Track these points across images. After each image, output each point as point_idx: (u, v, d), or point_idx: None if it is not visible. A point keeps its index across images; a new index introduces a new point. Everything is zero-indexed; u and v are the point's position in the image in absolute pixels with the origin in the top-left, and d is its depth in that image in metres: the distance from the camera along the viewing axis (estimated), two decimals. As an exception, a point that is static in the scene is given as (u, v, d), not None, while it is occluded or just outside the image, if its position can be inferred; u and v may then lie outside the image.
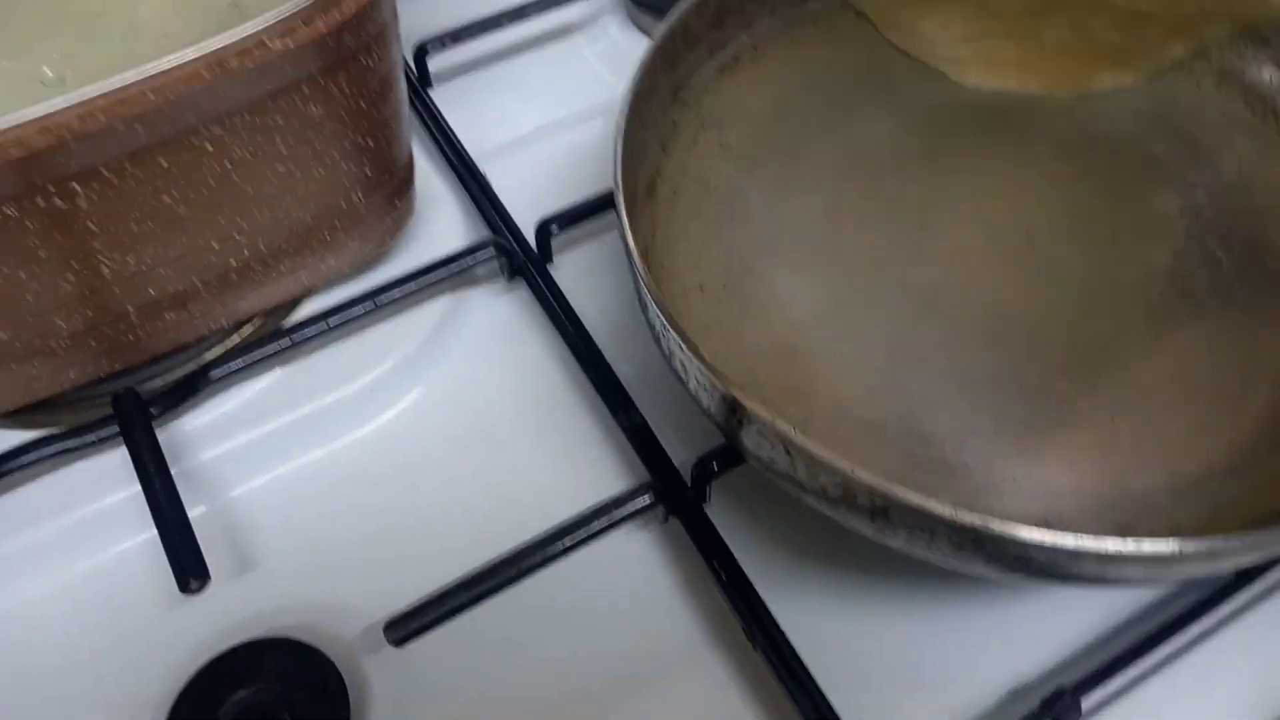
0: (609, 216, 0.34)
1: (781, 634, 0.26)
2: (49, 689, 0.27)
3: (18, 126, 0.23)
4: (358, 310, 0.32)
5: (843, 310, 0.31)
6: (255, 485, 0.30)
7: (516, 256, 0.34)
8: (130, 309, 0.28)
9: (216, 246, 0.28)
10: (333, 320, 0.32)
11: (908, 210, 0.33)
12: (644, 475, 0.29)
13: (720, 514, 0.29)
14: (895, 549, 0.25)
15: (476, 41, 0.41)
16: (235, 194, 0.27)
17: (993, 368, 0.30)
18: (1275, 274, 0.32)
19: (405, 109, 0.31)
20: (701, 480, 0.29)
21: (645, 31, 0.43)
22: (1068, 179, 0.34)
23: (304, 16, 0.25)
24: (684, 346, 0.24)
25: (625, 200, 0.27)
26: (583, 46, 0.42)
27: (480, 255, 0.34)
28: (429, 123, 0.38)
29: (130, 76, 0.23)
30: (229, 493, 0.30)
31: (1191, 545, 0.21)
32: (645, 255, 0.27)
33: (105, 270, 0.26)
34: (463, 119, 0.38)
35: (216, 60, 0.24)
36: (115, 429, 0.29)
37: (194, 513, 0.28)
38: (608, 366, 0.31)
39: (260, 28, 0.25)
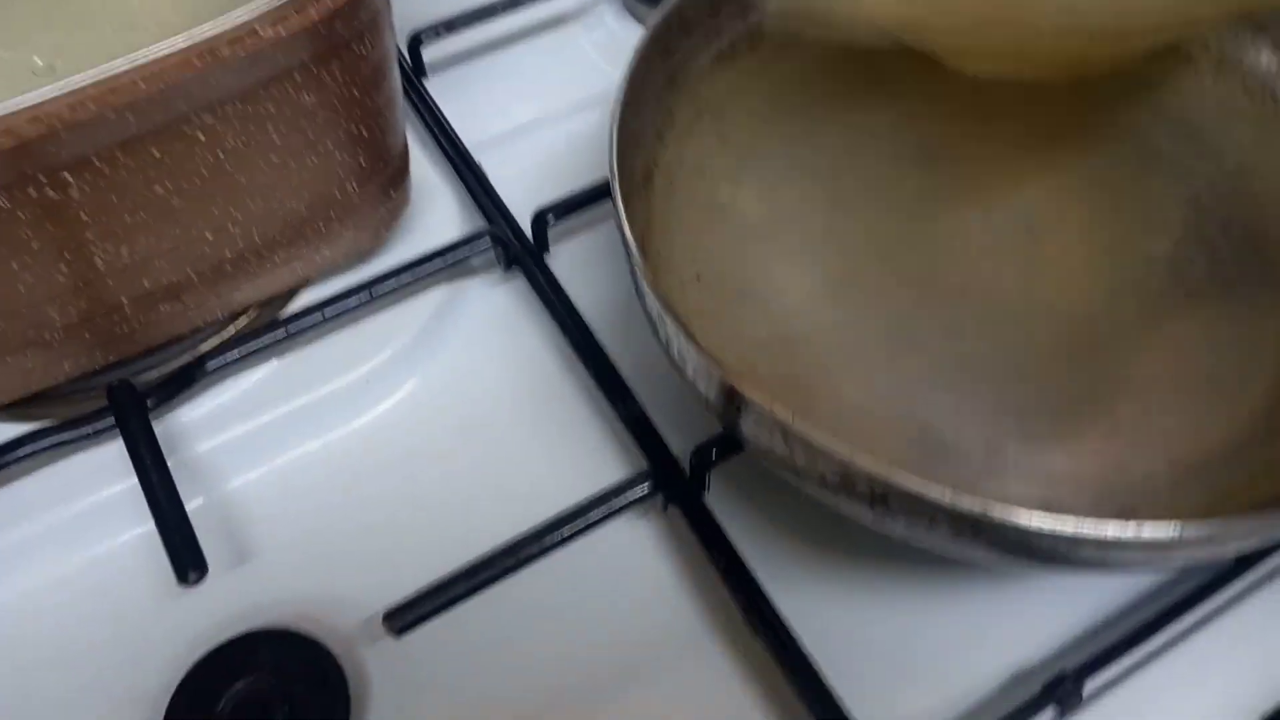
0: (605, 206, 0.34)
1: (782, 621, 0.26)
2: (47, 682, 0.27)
3: (8, 116, 0.22)
4: (353, 301, 0.32)
5: (841, 299, 0.31)
6: (252, 477, 0.30)
7: (513, 247, 0.34)
8: (124, 300, 0.28)
9: (210, 237, 0.28)
10: (328, 311, 0.32)
11: (906, 200, 0.33)
12: (642, 465, 0.29)
13: (719, 503, 0.29)
14: (895, 536, 0.25)
15: (471, 31, 0.40)
16: (228, 184, 0.27)
17: (991, 356, 0.30)
18: (1274, 263, 0.32)
19: (399, 98, 0.31)
20: (700, 469, 0.28)
21: (641, 21, 0.42)
22: (1067, 167, 0.34)
23: (296, 4, 0.25)
24: (681, 334, 0.24)
25: (621, 189, 0.27)
26: (578, 36, 0.42)
27: (476, 245, 0.33)
28: (424, 113, 0.38)
29: (121, 65, 0.23)
30: (226, 484, 0.30)
31: (1192, 529, 0.21)
32: (642, 244, 0.26)
33: (98, 261, 0.26)
34: (458, 109, 0.38)
35: (208, 48, 0.24)
36: (111, 421, 0.29)
37: (191, 505, 0.28)
38: (605, 356, 0.31)
39: (252, 15, 0.25)
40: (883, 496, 0.23)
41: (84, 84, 0.23)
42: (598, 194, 0.34)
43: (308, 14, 0.25)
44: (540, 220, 0.34)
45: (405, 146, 0.33)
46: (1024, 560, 0.23)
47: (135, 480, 0.28)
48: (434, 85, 0.39)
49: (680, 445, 0.29)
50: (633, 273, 0.26)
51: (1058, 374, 0.29)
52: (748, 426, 0.25)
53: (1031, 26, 0.31)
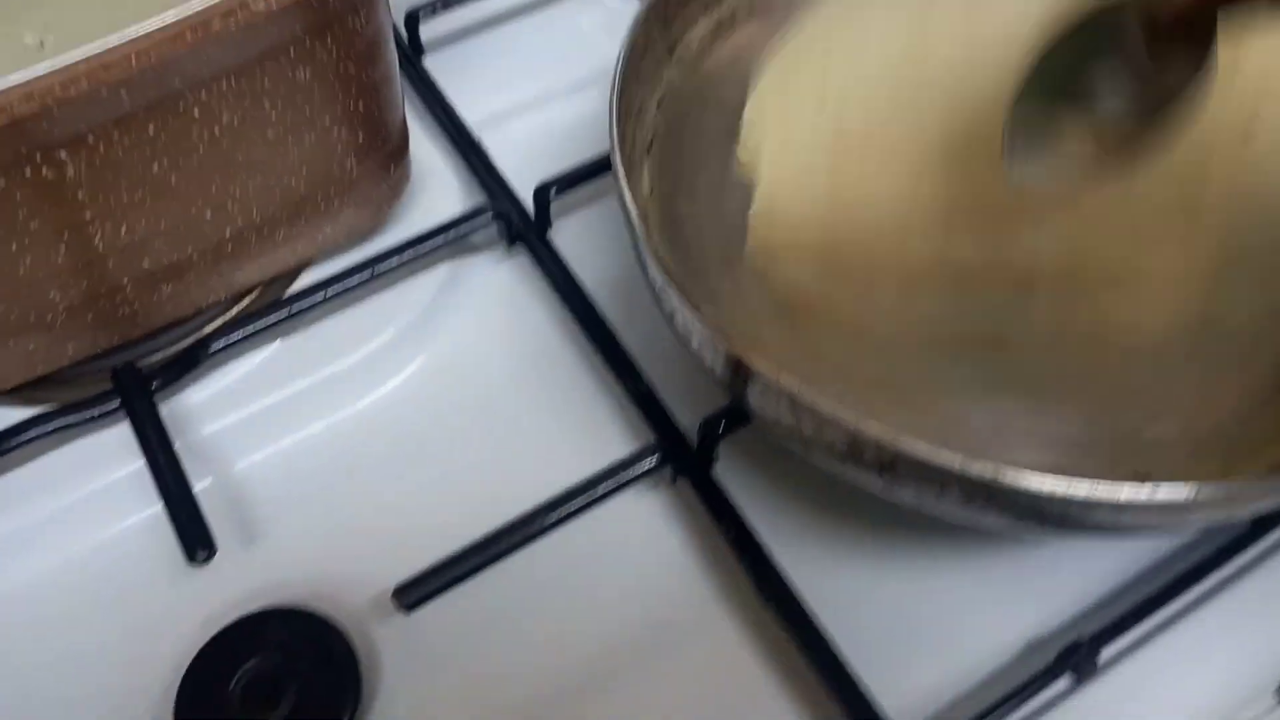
0: (607, 180, 0.34)
1: (793, 592, 0.26)
2: (59, 667, 0.27)
3: (1, 93, 0.22)
4: (355, 280, 0.32)
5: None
6: (259, 457, 0.30)
7: (515, 222, 0.34)
8: (126, 281, 0.28)
9: (209, 216, 0.28)
10: (331, 290, 0.31)
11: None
12: (649, 438, 0.29)
13: (728, 475, 0.28)
14: (905, 504, 0.25)
15: (469, 8, 0.40)
16: (225, 161, 0.27)
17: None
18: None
19: (395, 73, 0.31)
20: (708, 441, 0.28)
21: (640, -7, 0.42)
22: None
23: (288, -23, 0.25)
24: (686, 305, 0.24)
25: (623, 160, 0.27)
26: (577, 13, 0.42)
27: (478, 222, 0.33)
28: (422, 90, 0.38)
29: (113, 40, 0.23)
30: (233, 465, 0.30)
31: (1207, 490, 0.21)
32: (644, 216, 0.26)
33: (98, 241, 0.26)
34: (457, 86, 0.38)
35: (200, 21, 0.24)
36: (117, 404, 0.29)
37: (198, 486, 0.28)
38: (610, 330, 0.31)
39: (245, -11, 0.24)
40: (891, 463, 0.23)
41: (76, 60, 0.23)
42: (599, 168, 0.34)
43: (301, -14, 0.25)
44: (542, 194, 0.34)
45: (404, 123, 0.33)
46: (1037, 526, 0.23)
47: (142, 463, 0.28)
48: (432, 62, 0.39)
49: (687, 418, 0.29)
50: (635, 244, 0.26)
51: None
52: (754, 397, 0.24)
53: None
